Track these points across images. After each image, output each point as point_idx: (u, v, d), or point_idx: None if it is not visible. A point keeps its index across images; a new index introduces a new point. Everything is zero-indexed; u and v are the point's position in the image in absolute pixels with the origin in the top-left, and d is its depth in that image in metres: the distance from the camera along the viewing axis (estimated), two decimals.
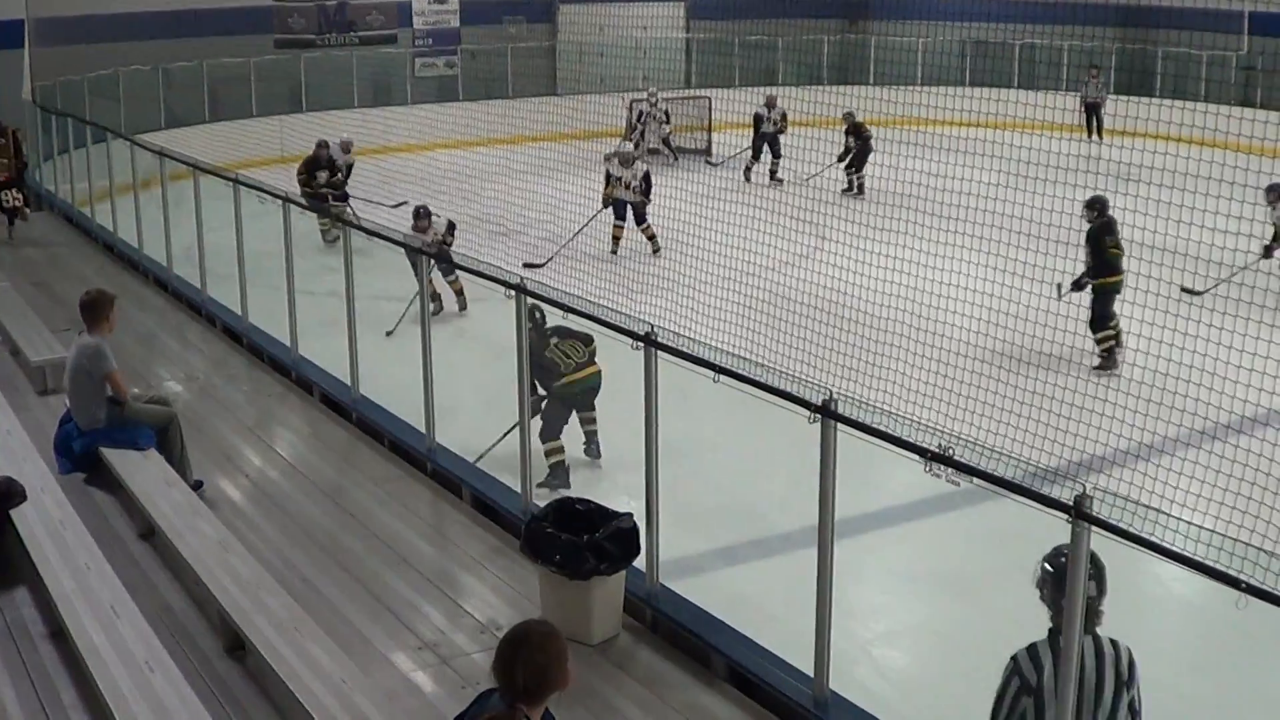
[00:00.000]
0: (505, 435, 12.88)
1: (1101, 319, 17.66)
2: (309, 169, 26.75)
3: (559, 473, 13.68)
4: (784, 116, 32.22)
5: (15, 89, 31.88)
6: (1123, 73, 38.27)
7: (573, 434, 14.03)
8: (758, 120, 32.51)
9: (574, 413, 13.92)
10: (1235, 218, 14.26)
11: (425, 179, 27.35)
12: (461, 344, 16.72)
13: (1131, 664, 6.61)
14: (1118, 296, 17.28)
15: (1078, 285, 17.85)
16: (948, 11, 33.91)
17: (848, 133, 30.67)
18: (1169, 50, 35.94)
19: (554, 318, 12.75)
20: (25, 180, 26.35)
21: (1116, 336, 17.46)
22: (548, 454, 13.69)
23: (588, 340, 13.52)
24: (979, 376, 13.98)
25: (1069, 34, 37.12)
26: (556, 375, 13.68)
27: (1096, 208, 18.16)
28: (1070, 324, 14.68)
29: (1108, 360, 17.34)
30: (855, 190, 30.09)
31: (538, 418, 13.57)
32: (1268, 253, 19.67)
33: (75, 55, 31.59)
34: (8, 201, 23.83)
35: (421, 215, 20.56)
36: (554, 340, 13.65)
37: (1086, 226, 18.08)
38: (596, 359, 13.68)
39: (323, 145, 27.11)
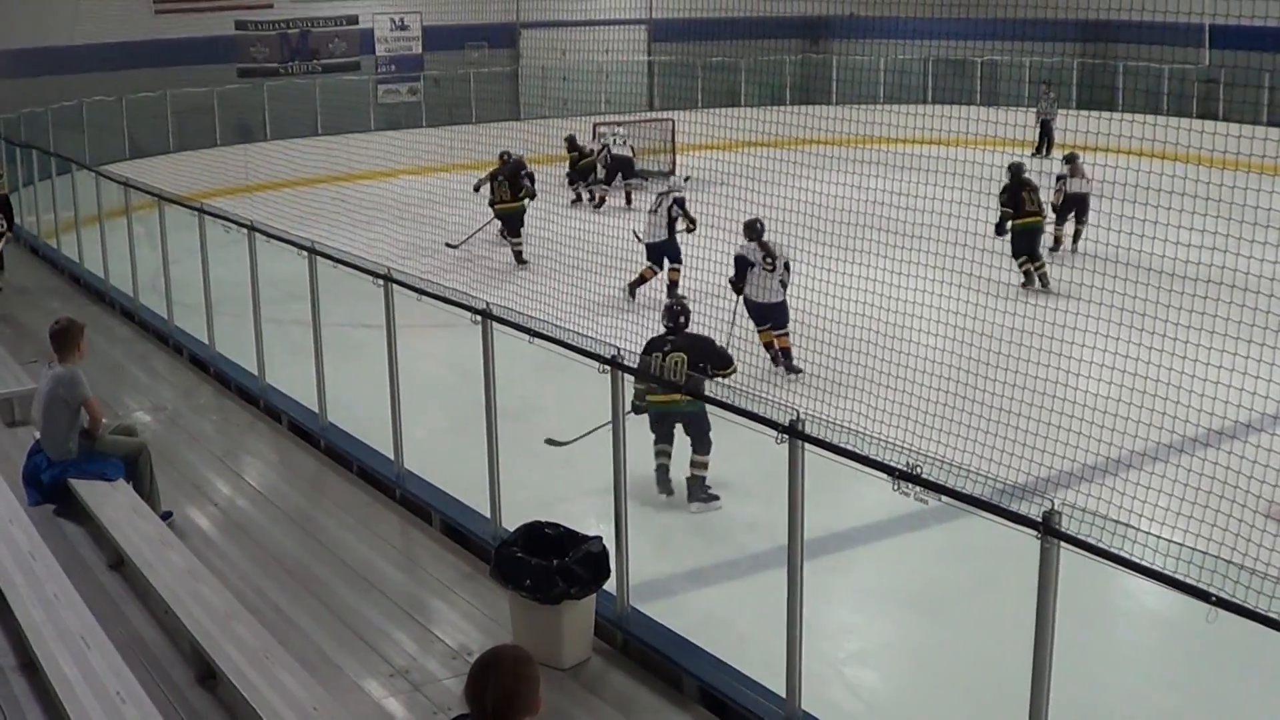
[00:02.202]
0: (596, 430, 12.85)
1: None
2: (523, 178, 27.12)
3: (660, 478, 13.99)
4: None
5: None
6: (1084, 88, 38.50)
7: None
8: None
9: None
10: (1199, 231, 14.34)
11: (389, 205, 27.41)
12: (428, 369, 16.71)
13: None
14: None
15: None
16: (909, 30, 34.11)
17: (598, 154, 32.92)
18: (1130, 64, 36.16)
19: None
20: None
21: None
22: (655, 454, 14.00)
23: (714, 364, 13.89)
24: (946, 394, 14.03)
25: (1030, 50, 37.31)
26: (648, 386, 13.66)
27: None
28: (1037, 340, 14.71)
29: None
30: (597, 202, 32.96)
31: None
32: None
33: (38, 87, 31.57)
34: None
35: (757, 230, 18.92)
36: (667, 349, 13.95)
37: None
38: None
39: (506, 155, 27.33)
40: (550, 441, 13.67)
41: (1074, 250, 25.54)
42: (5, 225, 23.05)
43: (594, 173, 33.29)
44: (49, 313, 18.45)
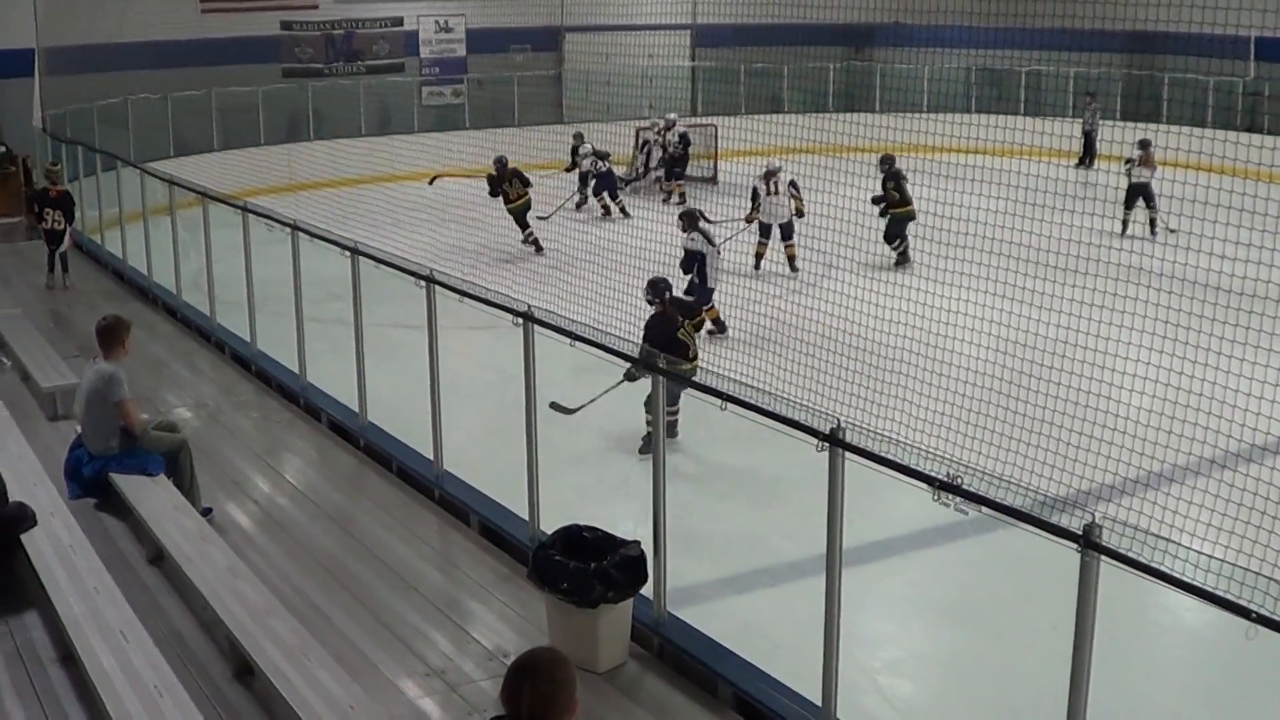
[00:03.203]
0: (607, 391, 13.27)
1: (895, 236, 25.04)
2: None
3: (671, 430, 14.64)
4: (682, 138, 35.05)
5: (25, 117, 31.97)
6: (1129, 99, 38.34)
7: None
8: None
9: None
10: (1244, 244, 14.27)
11: (432, 206, 27.46)
12: (469, 371, 16.74)
13: None
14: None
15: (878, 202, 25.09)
16: (954, 39, 33.99)
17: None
18: (1175, 76, 36.00)
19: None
20: (56, 180, 26.25)
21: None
22: (668, 413, 14.49)
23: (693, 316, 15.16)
24: (986, 405, 13.99)
25: (1075, 60, 37.15)
26: (684, 358, 14.50)
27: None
28: (1079, 351, 14.67)
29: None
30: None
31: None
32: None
33: (85, 84, 31.67)
34: (49, 222, 23.38)
35: (695, 219, 20.77)
36: (684, 321, 15.00)
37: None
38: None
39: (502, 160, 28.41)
40: (555, 406, 13.98)
41: (1153, 235, 26.35)
42: (65, 222, 23.17)
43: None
44: (92, 308, 18.58)
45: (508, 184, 27.85)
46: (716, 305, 19.95)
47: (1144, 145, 27.69)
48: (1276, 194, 14.43)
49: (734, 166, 34.39)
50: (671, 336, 14.56)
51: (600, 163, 32.04)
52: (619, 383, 13.79)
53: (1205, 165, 16.30)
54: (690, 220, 20.35)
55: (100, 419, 11.73)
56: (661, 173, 35.04)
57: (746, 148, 31.02)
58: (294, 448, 14.58)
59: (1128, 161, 28.15)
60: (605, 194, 31.95)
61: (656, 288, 15.50)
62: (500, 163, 28.11)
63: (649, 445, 14.31)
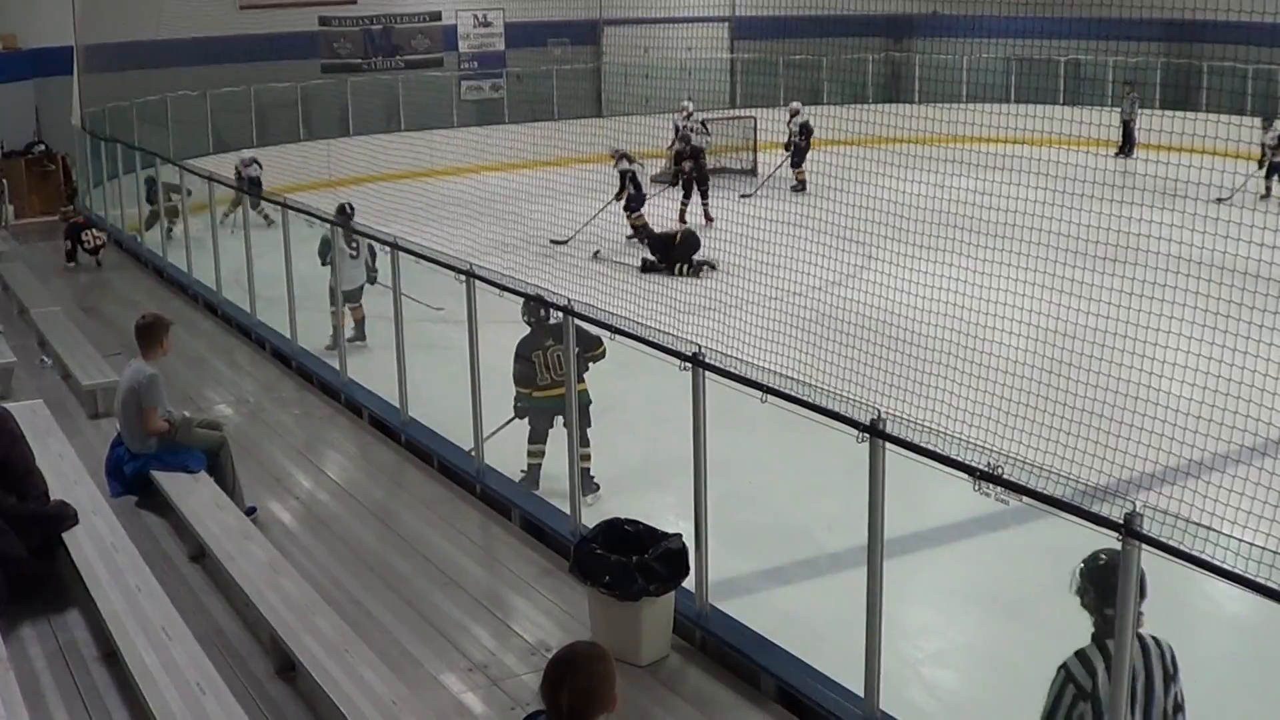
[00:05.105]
0: (503, 426, 13.61)
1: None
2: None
3: (531, 475, 13.92)
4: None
5: (65, 116, 32.08)
6: (1168, 88, 38.13)
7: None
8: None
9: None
10: None
11: (472, 201, 27.48)
12: (510, 365, 16.76)
13: (1174, 658, 6.67)
14: None
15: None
16: (993, 29, 33.89)
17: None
18: (1214, 65, 35.79)
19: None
20: (76, 206, 26.50)
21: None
22: (529, 454, 14.05)
23: (588, 347, 13.35)
24: (1027, 394, 13.93)
25: (1114, 49, 37.00)
26: (531, 382, 13.91)
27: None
28: (1120, 340, 14.60)
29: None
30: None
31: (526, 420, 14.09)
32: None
33: (123, 81, 31.77)
34: (89, 242, 24.00)
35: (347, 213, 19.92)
36: (549, 344, 13.75)
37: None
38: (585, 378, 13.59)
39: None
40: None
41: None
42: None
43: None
44: (132, 305, 18.66)
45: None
46: (363, 307, 19.21)
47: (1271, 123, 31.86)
48: None
49: (774, 159, 34.45)
50: (525, 361, 13.95)
51: (256, 167, 31.77)
52: (510, 420, 13.80)
53: (1246, 154, 16.21)
54: (340, 212, 20.16)
55: (137, 418, 11.77)
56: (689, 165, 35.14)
57: (786, 140, 31.09)
58: (335, 444, 14.61)
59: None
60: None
61: (530, 307, 14.75)
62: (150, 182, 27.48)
63: (531, 480, 13.89)
